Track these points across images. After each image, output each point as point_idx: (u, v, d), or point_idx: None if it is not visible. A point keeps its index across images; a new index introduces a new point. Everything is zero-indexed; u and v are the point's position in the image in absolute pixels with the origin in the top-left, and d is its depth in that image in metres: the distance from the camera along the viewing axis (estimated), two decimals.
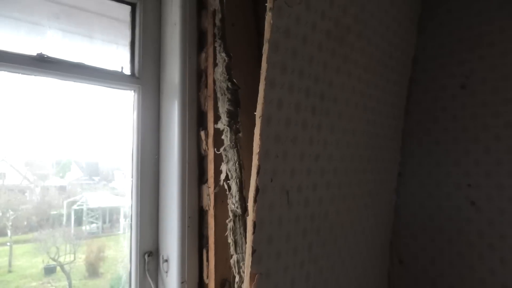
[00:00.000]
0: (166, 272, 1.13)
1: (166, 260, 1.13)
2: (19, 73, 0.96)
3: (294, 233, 1.01)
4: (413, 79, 1.55)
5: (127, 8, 1.18)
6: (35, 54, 0.97)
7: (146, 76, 1.18)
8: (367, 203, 1.35)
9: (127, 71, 1.17)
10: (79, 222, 1.44)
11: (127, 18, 1.18)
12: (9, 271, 1.28)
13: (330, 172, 1.12)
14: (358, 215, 1.28)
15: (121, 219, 1.44)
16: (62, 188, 1.46)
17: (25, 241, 1.37)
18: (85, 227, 1.47)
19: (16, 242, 1.31)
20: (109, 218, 1.51)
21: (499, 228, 1.32)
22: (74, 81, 1.06)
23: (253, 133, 0.91)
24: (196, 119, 1.15)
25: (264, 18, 0.93)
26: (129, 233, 1.17)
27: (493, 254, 1.34)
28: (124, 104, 1.20)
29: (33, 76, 0.99)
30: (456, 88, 1.43)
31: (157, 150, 1.19)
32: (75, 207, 1.44)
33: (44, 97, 1.08)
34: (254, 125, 0.91)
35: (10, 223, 1.25)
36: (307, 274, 1.06)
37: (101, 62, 1.12)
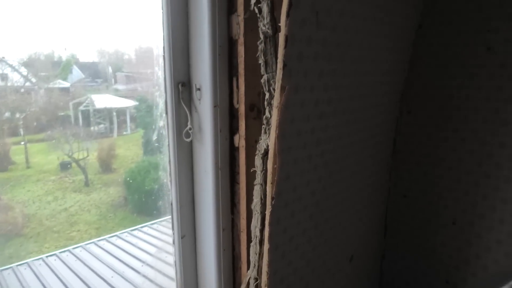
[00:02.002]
0: (199, 99, 1.23)
1: (199, 89, 1.23)
2: None
3: (321, 55, 1.07)
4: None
5: None
6: None
7: None
8: None
9: None
10: (87, 122, 1.49)
11: None
12: (28, 167, 1.38)
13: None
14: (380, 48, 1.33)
15: (128, 120, 1.50)
16: (65, 90, 1.47)
17: (38, 140, 1.44)
18: (94, 128, 1.53)
19: (30, 141, 1.37)
20: (116, 119, 1.56)
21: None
22: None
23: None
24: None
25: None
26: (137, 133, 1.22)
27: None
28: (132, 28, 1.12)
29: None
30: None
31: None
32: (81, 108, 1.46)
33: None
34: None
35: (21, 122, 1.32)
36: (329, 98, 1.15)
37: None
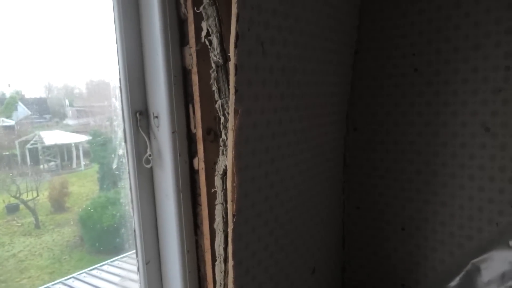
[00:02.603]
0: (157, 126, 1.28)
1: (157, 116, 1.28)
2: None
3: (268, 81, 1.17)
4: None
5: None
6: None
7: None
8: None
9: None
10: (36, 161, 1.40)
11: None
12: None
13: (298, 31, 1.26)
14: (322, 72, 1.47)
15: (81, 156, 1.44)
16: (10, 128, 1.37)
17: None
18: (43, 166, 1.44)
19: None
20: (67, 156, 1.50)
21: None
22: None
23: None
24: None
25: None
26: (91, 169, 1.21)
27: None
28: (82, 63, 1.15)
29: None
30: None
31: (137, 13, 1.26)
32: (28, 146, 1.39)
33: None
34: None
35: None
36: (279, 119, 1.26)
37: None
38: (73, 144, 1.48)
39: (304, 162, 1.44)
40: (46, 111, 1.42)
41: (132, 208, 1.27)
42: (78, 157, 1.48)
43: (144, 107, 1.30)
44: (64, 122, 1.47)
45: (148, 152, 1.29)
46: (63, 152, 1.49)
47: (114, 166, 1.32)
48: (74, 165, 1.53)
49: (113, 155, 1.35)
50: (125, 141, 1.29)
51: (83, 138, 1.45)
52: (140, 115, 1.29)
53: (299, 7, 1.24)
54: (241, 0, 1.02)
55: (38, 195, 1.39)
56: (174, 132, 1.25)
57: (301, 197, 1.44)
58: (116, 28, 1.22)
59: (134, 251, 1.33)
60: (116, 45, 1.24)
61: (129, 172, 1.30)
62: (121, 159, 1.31)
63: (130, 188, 1.28)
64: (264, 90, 1.14)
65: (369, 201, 1.88)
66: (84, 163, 1.47)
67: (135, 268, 1.34)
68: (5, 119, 1.33)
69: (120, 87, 1.26)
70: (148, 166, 1.30)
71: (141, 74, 1.28)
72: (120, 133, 1.31)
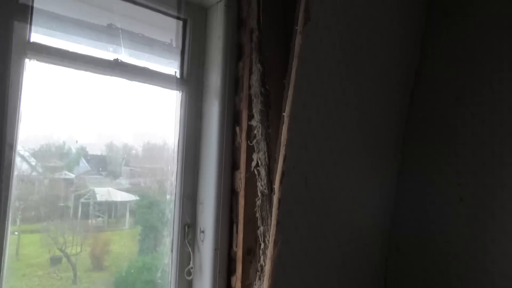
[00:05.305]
0: (202, 241, 1.37)
1: (203, 231, 1.38)
2: (100, 73, 1.23)
3: (309, 212, 1.24)
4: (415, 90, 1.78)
5: (180, 23, 1.44)
6: (112, 59, 1.23)
7: (192, 79, 1.43)
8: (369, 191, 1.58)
9: (177, 74, 1.43)
10: (86, 215, 1.50)
11: (180, 30, 1.44)
12: (17, 260, 1.35)
13: (341, 164, 1.36)
14: (361, 203, 1.51)
15: (127, 215, 1.54)
16: (70, 181, 1.51)
17: (33, 231, 1.41)
18: (91, 221, 1.53)
19: (24, 231, 1.32)
20: (114, 213, 1.61)
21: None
22: (138, 82, 1.32)
23: (280, 129, 1.16)
24: (232, 117, 1.40)
25: (291, 35, 1.17)
26: (134, 229, 1.32)
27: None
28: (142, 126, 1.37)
29: (108, 77, 1.25)
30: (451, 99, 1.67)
31: (198, 141, 1.44)
32: (82, 200, 1.51)
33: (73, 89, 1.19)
34: (280, 122, 1.15)
35: (20, 213, 1.29)
36: (317, 247, 1.29)
37: (155, 66, 1.38)
38: (121, 203, 1.57)
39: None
40: (104, 168, 1.55)
41: None
42: (124, 215, 1.56)
43: (193, 220, 1.41)
44: (117, 180, 1.58)
45: (191, 265, 1.36)
46: (111, 209, 1.57)
47: (158, 275, 1.39)
48: (119, 224, 1.60)
49: (156, 219, 1.42)
50: (171, 251, 1.38)
51: (131, 197, 1.54)
52: (188, 228, 1.39)
53: (343, 144, 1.35)
54: (289, 141, 1.16)
55: (81, 251, 1.44)
56: (216, 249, 1.32)
57: None
58: (178, 154, 1.40)
59: None
60: (175, 165, 1.41)
61: (170, 282, 1.37)
62: (165, 268, 1.39)
63: None
64: (304, 221, 1.21)
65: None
66: (129, 222, 1.54)
67: None
68: (67, 172, 1.46)
69: (174, 201, 1.40)
70: (189, 278, 1.36)
71: (195, 190, 1.42)
72: (167, 198, 1.39)
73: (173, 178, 1.42)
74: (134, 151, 1.61)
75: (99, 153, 1.51)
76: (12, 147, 1.05)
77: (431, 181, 1.70)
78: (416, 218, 1.75)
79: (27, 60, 1.06)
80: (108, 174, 1.52)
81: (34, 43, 1.08)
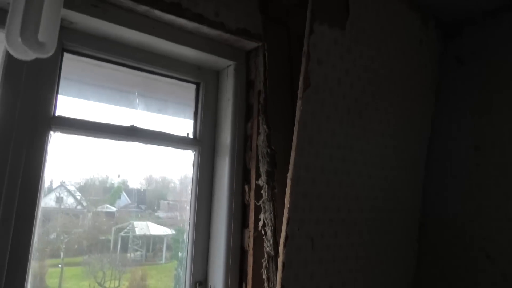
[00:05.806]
0: None
1: None
2: (116, 139, 1.33)
3: (317, 274, 1.22)
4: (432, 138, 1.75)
5: (193, 87, 1.54)
6: (128, 125, 1.33)
7: (204, 139, 1.51)
8: (385, 253, 1.53)
9: (190, 135, 1.51)
10: (125, 248, 1.53)
11: (193, 94, 1.53)
12: None
13: (350, 223, 1.34)
14: (374, 265, 1.46)
15: (164, 249, 1.55)
16: (111, 214, 1.51)
17: (75, 264, 1.45)
18: (130, 254, 1.55)
19: (67, 264, 1.35)
20: (152, 247, 1.62)
21: None
22: (153, 145, 1.41)
23: (286, 189, 1.18)
24: (242, 175, 1.44)
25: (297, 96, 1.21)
26: (170, 264, 1.35)
27: None
28: (178, 160, 1.46)
29: (125, 142, 1.35)
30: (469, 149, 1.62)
31: (210, 197, 1.49)
32: (122, 233, 1.55)
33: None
34: (287, 183, 1.17)
35: (64, 246, 1.35)
36: None
37: (169, 128, 1.47)
38: (159, 237, 1.59)
39: None
40: (143, 201, 1.59)
41: None
42: (161, 250, 1.57)
43: (204, 277, 1.43)
44: (156, 214, 1.61)
45: None
46: (149, 243, 1.59)
47: None
48: (156, 258, 1.61)
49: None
50: None
51: (168, 231, 1.56)
52: (199, 286, 1.41)
53: (346, 200, 1.34)
54: (293, 205, 1.17)
55: (119, 285, 1.46)
56: None
57: None
58: (191, 210, 1.45)
59: None
60: (188, 226, 1.46)
61: None
62: None
63: None
64: (312, 284, 1.19)
65: None
66: (166, 257, 1.55)
67: None
68: (108, 206, 1.51)
69: (186, 258, 1.43)
70: None
71: (206, 248, 1.45)
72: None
73: (185, 234, 1.47)
74: (172, 184, 1.64)
75: (139, 187, 1.57)
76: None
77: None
78: None
79: (51, 133, 1.18)
80: (147, 207, 1.57)
81: (58, 117, 1.21)
